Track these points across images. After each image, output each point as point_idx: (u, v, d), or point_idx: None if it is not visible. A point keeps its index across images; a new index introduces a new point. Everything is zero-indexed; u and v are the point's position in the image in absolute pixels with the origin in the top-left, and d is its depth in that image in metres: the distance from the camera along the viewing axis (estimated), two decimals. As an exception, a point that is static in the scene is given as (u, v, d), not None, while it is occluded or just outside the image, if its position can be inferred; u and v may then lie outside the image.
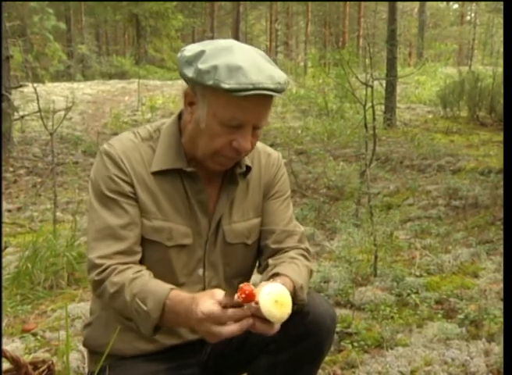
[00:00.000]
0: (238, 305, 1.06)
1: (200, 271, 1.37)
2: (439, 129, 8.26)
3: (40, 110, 4.23)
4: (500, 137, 6.74)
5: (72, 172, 6.41)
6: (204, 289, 1.37)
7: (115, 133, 9.83)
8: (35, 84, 4.89)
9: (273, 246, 1.41)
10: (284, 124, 8.65)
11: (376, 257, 2.97)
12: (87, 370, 2.03)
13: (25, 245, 3.13)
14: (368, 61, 3.96)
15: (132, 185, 1.27)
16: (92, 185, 1.30)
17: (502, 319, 2.26)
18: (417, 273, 2.95)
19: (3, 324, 2.47)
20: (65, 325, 1.60)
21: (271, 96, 1.19)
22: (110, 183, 1.26)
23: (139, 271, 1.24)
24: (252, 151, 1.32)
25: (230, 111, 1.18)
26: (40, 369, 1.25)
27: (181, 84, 16.13)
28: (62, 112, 4.74)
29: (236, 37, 23.82)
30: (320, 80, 11.00)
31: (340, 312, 2.48)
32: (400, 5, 10.65)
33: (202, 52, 1.18)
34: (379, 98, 7.71)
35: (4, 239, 3.54)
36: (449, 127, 8.14)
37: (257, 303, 1.08)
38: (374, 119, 3.76)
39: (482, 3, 27.89)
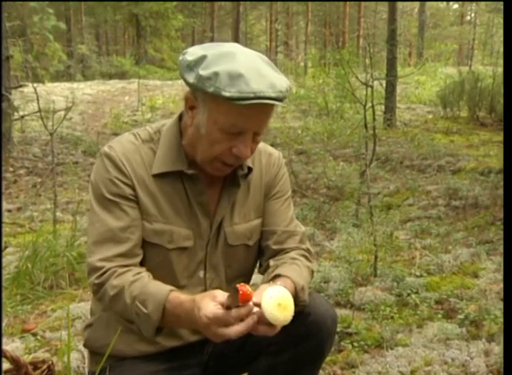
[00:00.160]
0: (239, 305, 1.06)
1: (201, 273, 1.36)
2: (439, 129, 8.26)
3: (40, 110, 4.22)
4: (500, 137, 6.74)
5: (72, 172, 6.40)
6: (205, 291, 1.36)
7: (115, 133, 9.84)
8: (35, 84, 4.89)
9: (274, 247, 1.41)
10: (284, 124, 8.65)
11: (376, 257, 2.97)
12: (87, 370, 2.04)
13: (25, 245, 3.13)
14: (368, 61, 3.96)
15: (133, 187, 1.27)
16: (92, 188, 1.29)
17: (502, 319, 2.26)
18: (417, 273, 2.95)
19: (3, 324, 2.47)
20: (67, 325, 1.60)
21: (272, 104, 1.17)
22: (111, 186, 1.26)
23: (138, 273, 1.23)
24: None
25: (231, 118, 1.17)
26: (40, 369, 1.25)
27: (181, 84, 16.18)
28: (62, 112, 4.74)
29: (236, 37, 23.85)
30: (320, 80, 10.99)
31: (340, 312, 2.48)
32: (400, 5, 10.65)
33: (204, 57, 1.16)
34: (379, 98, 7.72)
35: (4, 239, 3.54)
36: (449, 127, 8.14)
37: (257, 305, 1.08)
38: (374, 119, 3.76)
39: (482, 3, 27.89)
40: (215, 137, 1.20)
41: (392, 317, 2.44)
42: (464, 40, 29.35)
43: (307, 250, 1.45)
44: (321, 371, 2.00)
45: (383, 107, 8.70)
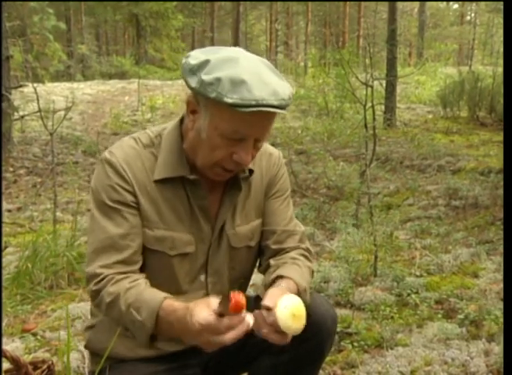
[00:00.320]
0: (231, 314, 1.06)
1: (202, 277, 1.36)
2: (439, 129, 8.26)
3: (40, 110, 4.22)
4: (500, 137, 6.74)
5: (72, 172, 6.41)
6: (207, 295, 1.36)
7: (115, 133, 9.85)
8: (35, 84, 4.89)
9: (274, 247, 1.41)
10: (284, 124, 8.64)
11: (376, 257, 2.97)
12: (87, 371, 2.04)
13: (25, 245, 3.13)
14: (368, 61, 3.96)
15: (134, 194, 1.25)
16: (93, 194, 1.28)
17: (502, 319, 2.26)
18: (417, 273, 2.95)
19: (3, 324, 2.47)
20: (67, 325, 1.60)
21: (274, 112, 1.16)
22: (111, 193, 1.24)
23: (135, 280, 1.23)
24: None
25: (232, 125, 1.16)
26: (40, 369, 1.25)
27: (181, 84, 16.18)
28: (62, 112, 4.74)
29: (236, 37, 23.85)
30: (320, 80, 11.00)
31: (340, 312, 2.48)
32: (400, 5, 10.65)
33: (207, 62, 1.15)
34: (379, 98, 7.72)
35: (4, 239, 3.54)
36: (449, 127, 8.14)
37: (269, 309, 1.11)
38: (374, 119, 3.76)
39: (482, 3, 27.90)
40: (216, 142, 1.19)
41: (392, 317, 2.44)
42: (464, 40, 29.36)
43: (307, 249, 1.45)
44: (321, 371, 2.00)
45: (383, 107, 8.70)
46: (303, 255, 1.42)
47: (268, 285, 1.29)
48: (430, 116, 9.85)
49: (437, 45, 18.34)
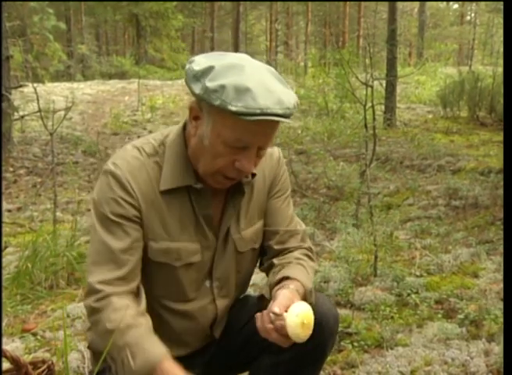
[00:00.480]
0: None
1: (207, 283, 1.36)
2: (439, 129, 8.26)
3: (40, 110, 4.23)
4: (500, 137, 6.74)
5: (72, 172, 6.41)
6: (213, 301, 1.37)
7: (115, 134, 9.85)
8: (35, 84, 4.89)
9: (276, 247, 1.41)
10: (284, 124, 8.63)
11: (376, 257, 2.96)
12: (87, 371, 2.04)
13: (25, 245, 3.13)
14: (368, 61, 3.96)
15: (138, 208, 1.23)
16: (95, 206, 1.24)
17: (502, 319, 2.26)
18: (417, 273, 2.95)
19: (3, 324, 2.47)
20: (63, 325, 1.60)
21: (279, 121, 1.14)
22: (115, 207, 1.21)
23: (138, 314, 1.19)
24: None
25: (235, 133, 1.14)
26: (40, 369, 1.25)
27: (181, 84, 16.17)
28: (62, 112, 4.74)
29: (236, 37, 23.85)
30: (320, 80, 11.00)
31: (340, 312, 2.47)
32: (400, 5, 10.65)
33: (211, 68, 1.12)
34: (379, 98, 7.72)
35: (4, 239, 3.54)
36: (449, 127, 8.14)
37: (278, 315, 1.13)
38: (374, 119, 3.76)
39: (482, 3, 27.89)
40: (218, 150, 1.17)
41: (392, 317, 2.44)
42: (464, 40, 29.36)
43: (310, 249, 1.45)
44: (321, 371, 2.00)
45: (383, 107, 8.70)
46: (306, 255, 1.42)
47: (274, 285, 1.30)
48: (430, 116, 9.85)
49: (437, 45, 18.35)
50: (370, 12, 26.46)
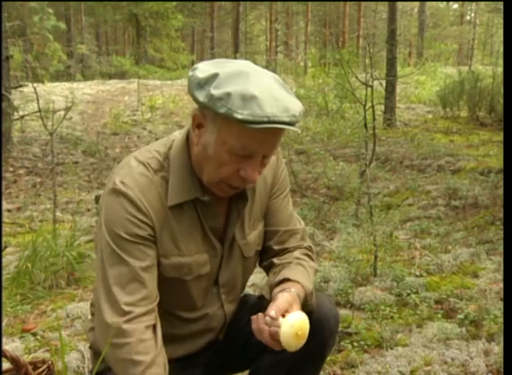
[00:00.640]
0: None
1: (214, 289, 1.36)
2: (438, 129, 8.26)
3: (40, 110, 4.23)
4: (500, 137, 6.74)
5: (72, 172, 6.41)
6: (222, 306, 1.38)
7: (115, 133, 9.85)
8: (35, 84, 4.89)
9: (276, 247, 1.41)
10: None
11: (376, 257, 2.97)
12: (87, 371, 2.04)
13: (25, 245, 3.13)
14: (367, 61, 3.96)
15: (152, 227, 1.21)
16: (107, 227, 1.20)
17: (502, 319, 2.26)
18: (417, 273, 2.95)
19: (3, 324, 2.47)
20: (58, 327, 1.60)
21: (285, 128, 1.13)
22: (130, 227, 1.18)
23: (157, 355, 1.18)
24: None
25: (241, 141, 1.12)
26: (40, 369, 1.24)
27: (181, 84, 16.14)
28: (62, 112, 4.75)
29: (236, 37, 23.86)
30: (320, 80, 10.99)
31: (340, 312, 2.47)
32: (399, 5, 10.65)
33: (215, 75, 1.11)
34: (379, 98, 7.72)
35: (4, 239, 3.54)
36: (449, 127, 8.14)
37: (274, 319, 1.13)
38: (374, 119, 3.76)
39: (482, 3, 27.91)
40: (223, 158, 1.15)
41: (391, 317, 2.45)
42: (463, 40, 29.37)
43: (309, 248, 1.45)
44: (321, 371, 2.00)
45: (383, 107, 8.70)
46: (306, 255, 1.42)
47: (274, 286, 1.30)
48: (430, 116, 9.86)
49: (437, 45, 18.34)
50: (370, 12, 26.48)
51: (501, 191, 4.23)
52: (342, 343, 2.24)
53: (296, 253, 1.40)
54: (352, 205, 4.47)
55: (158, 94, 13.91)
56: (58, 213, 4.15)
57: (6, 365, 1.25)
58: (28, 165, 6.99)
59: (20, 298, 2.78)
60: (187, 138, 1.26)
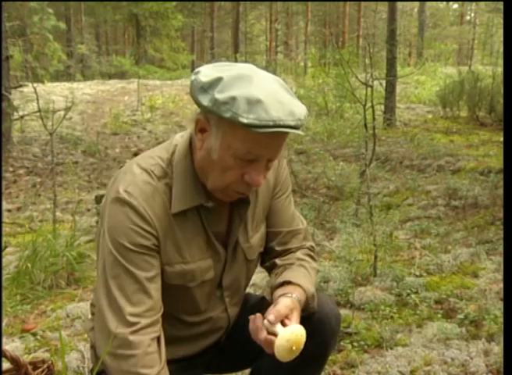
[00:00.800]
0: None
1: (218, 293, 1.35)
2: (438, 129, 8.27)
3: (39, 110, 4.23)
4: (500, 137, 6.74)
5: (72, 172, 6.41)
6: (226, 309, 1.38)
7: (115, 133, 9.85)
8: (35, 84, 4.89)
9: (279, 248, 1.40)
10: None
11: (376, 257, 2.97)
12: (87, 371, 2.04)
13: (25, 245, 3.13)
14: (367, 61, 3.96)
15: (156, 236, 1.20)
16: (110, 236, 1.18)
17: (502, 319, 2.26)
18: (417, 273, 2.95)
19: (3, 324, 2.47)
20: (58, 327, 1.60)
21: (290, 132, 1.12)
22: (134, 237, 1.17)
23: (161, 369, 1.18)
24: None
25: (246, 145, 1.11)
26: (40, 369, 1.25)
27: (181, 84, 16.13)
28: (62, 112, 4.75)
29: (236, 37, 23.85)
30: (320, 79, 10.99)
31: (340, 312, 2.47)
32: (399, 5, 10.65)
33: (219, 79, 1.09)
34: (379, 98, 7.72)
35: (4, 239, 3.54)
36: (449, 127, 8.14)
37: (272, 323, 1.13)
38: (374, 119, 3.76)
39: (482, 3, 27.91)
40: (228, 163, 1.14)
41: (391, 317, 2.45)
42: (463, 40, 29.37)
43: (311, 248, 1.45)
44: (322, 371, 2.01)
45: (383, 107, 8.70)
46: (308, 255, 1.42)
47: (275, 288, 1.29)
48: (430, 116, 9.86)
49: (437, 45, 18.35)
50: (370, 12, 26.47)
51: (501, 191, 4.23)
52: (342, 343, 2.24)
53: (299, 254, 1.40)
54: (352, 205, 4.47)
55: (158, 94, 13.90)
56: (58, 213, 4.15)
57: (6, 365, 1.25)
58: (28, 165, 6.99)
59: (20, 298, 2.78)
60: (190, 143, 1.25)
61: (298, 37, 39.27)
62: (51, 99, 8.63)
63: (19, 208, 4.91)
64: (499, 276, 2.86)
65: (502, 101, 7.78)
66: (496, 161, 5.36)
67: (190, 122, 1.21)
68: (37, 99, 4.30)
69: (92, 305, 1.39)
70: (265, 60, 24.61)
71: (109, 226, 1.19)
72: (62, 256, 3.03)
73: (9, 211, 4.81)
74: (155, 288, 1.19)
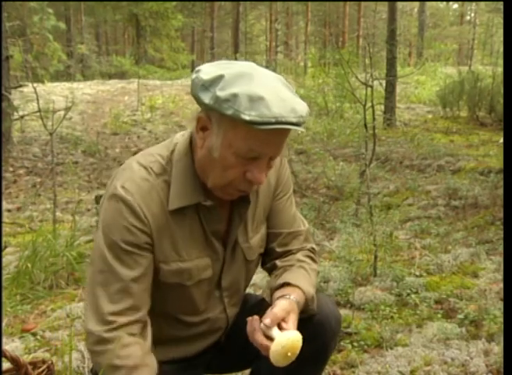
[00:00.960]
0: None
1: (217, 293, 1.35)
2: (438, 129, 8.27)
3: (39, 110, 4.23)
4: (500, 137, 6.74)
5: (72, 172, 6.41)
6: (224, 310, 1.37)
7: (115, 133, 9.85)
8: (35, 84, 4.89)
9: (279, 249, 1.40)
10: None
11: (376, 257, 2.97)
12: (87, 371, 2.04)
13: (25, 245, 3.13)
14: (367, 61, 3.96)
15: (150, 235, 1.19)
16: (104, 232, 1.18)
17: (502, 319, 2.26)
18: (417, 273, 2.95)
19: (3, 324, 2.47)
20: (69, 325, 1.60)
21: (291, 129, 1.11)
22: (126, 235, 1.16)
23: (145, 353, 1.17)
24: None
25: (248, 143, 1.10)
26: (40, 369, 1.25)
27: (181, 84, 16.12)
28: (62, 112, 4.75)
29: (236, 37, 23.86)
30: (320, 79, 10.99)
31: (340, 312, 2.47)
32: (399, 5, 10.65)
33: (220, 77, 1.09)
34: (379, 98, 7.72)
35: (4, 239, 3.54)
36: (449, 127, 8.15)
37: (268, 328, 1.13)
38: (374, 119, 3.76)
39: (482, 3, 27.92)
40: (230, 161, 1.13)
41: (391, 317, 2.44)
42: (463, 40, 29.39)
43: (312, 249, 1.44)
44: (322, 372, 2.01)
45: (383, 107, 8.70)
46: (308, 257, 1.41)
47: (275, 290, 1.29)
48: (430, 116, 9.86)
49: (437, 45, 18.34)
50: (370, 12, 26.48)
51: (501, 191, 4.23)
52: (342, 343, 2.24)
53: (299, 255, 1.39)
54: (352, 205, 4.47)
55: (158, 94, 13.91)
56: (58, 213, 4.15)
57: (6, 365, 1.25)
58: (28, 165, 6.99)
59: (20, 298, 2.78)
60: (191, 141, 1.24)
61: (298, 37, 39.28)
62: (51, 99, 8.63)
63: (19, 208, 4.91)
64: (499, 276, 2.86)
65: (502, 101, 7.78)
66: (496, 161, 5.37)
67: (191, 120, 1.20)
68: (37, 99, 4.30)
69: None
70: (265, 60, 24.60)
71: (103, 223, 1.19)
72: (62, 256, 3.03)
73: (9, 211, 4.81)
74: (141, 288, 1.18)
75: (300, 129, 1.10)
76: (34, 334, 2.41)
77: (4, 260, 3.23)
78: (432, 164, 5.80)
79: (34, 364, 1.25)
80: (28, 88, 8.69)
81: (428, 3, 24.23)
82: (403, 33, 24.10)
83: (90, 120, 11.18)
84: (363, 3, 26.50)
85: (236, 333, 1.42)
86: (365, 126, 3.84)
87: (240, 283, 1.38)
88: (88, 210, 4.79)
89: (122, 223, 1.16)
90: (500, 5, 14.75)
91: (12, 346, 2.25)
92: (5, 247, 3.46)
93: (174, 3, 24.98)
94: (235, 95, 1.05)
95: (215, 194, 1.22)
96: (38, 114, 4.36)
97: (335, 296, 2.69)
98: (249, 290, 1.71)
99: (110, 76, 20.89)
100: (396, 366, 2.03)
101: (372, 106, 3.70)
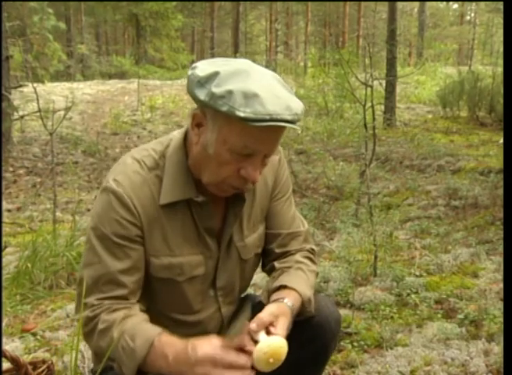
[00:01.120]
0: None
1: (211, 292, 1.34)
2: (438, 129, 8.27)
3: (40, 110, 4.23)
4: (500, 137, 6.74)
5: (72, 172, 6.41)
6: (219, 309, 1.36)
7: (115, 133, 9.86)
8: (35, 84, 4.89)
9: (278, 250, 1.39)
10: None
11: (376, 257, 2.97)
12: (87, 371, 2.04)
13: (25, 245, 3.13)
14: (367, 61, 3.96)
15: (140, 228, 1.20)
16: (95, 225, 1.20)
17: (502, 319, 2.26)
18: (417, 273, 2.95)
19: (3, 324, 2.47)
20: (77, 326, 1.59)
21: (286, 126, 1.12)
22: (117, 228, 1.18)
23: (134, 312, 1.19)
24: None
25: (242, 139, 1.11)
26: (40, 369, 1.24)
27: (181, 84, 16.13)
28: (62, 112, 4.74)
29: (236, 37, 23.85)
30: (320, 79, 10.99)
31: (340, 312, 2.47)
32: (399, 5, 10.65)
33: (216, 74, 1.10)
34: (379, 98, 7.72)
35: (4, 239, 3.54)
36: (449, 127, 8.15)
37: (254, 333, 1.10)
38: (374, 119, 3.76)
39: (482, 3, 27.92)
40: (224, 157, 1.14)
41: (391, 317, 2.45)
42: (463, 40, 29.36)
43: (311, 250, 1.44)
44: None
45: (383, 107, 8.70)
46: (307, 258, 1.40)
47: (271, 292, 1.29)
48: (430, 116, 9.86)
49: (437, 45, 18.34)
50: (370, 12, 26.45)
51: (501, 191, 4.23)
52: (342, 343, 2.24)
53: (298, 256, 1.38)
54: (352, 205, 4.47)
55: (158, 94, 13.91)
56: (58, 213, 4.15)
57: (6, 365, 1.25)
58: (28, 165, 6.99)
59: (20, 298, 2.78)
60: (185, 138, 1.25)
61: (298, 37, 39.27)
62: (51, 99, 8.64)
63: (19, 208, 4.91)
64: (499, 276, 2.86)
65: (502, 101, 7.78)
66: (496, 161, 5.37)
67: (187, 117, 1.21)
68: (37, 99, 4.30)
69: None
70: (265, 60, 24.60)
71: (95, 215, 1.21)
72: (62, 256, 3.03)
73: (9, 211, 4.81)
74: (130, 280, 1.20)
75: (294, 127, 1.11)
76: (34, 334, 2.41)
77: (4, 260, 3.23)
78: (432, 164, 5.80)
79: (34, 364, 1.25)
80: (28, 88, 8.69)
81: (428, 3, 24.22)
82: (403, 33, 24.09)
83: (90, 120, 11.18)
84: (363, 3, 26.49)
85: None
86: (365, 126, 3.83)
87: (235, 282, 1.37)
88: (88, 210, 4.79)
89: (113, 216, 1.18)
90: (500, 5, 14.76)
91: (12, 346, 2.25)
92: (5, 247, 3.46)
93: (174, 3, 24.98)
94: (230, 92, 1.06)
95: (210, 190, 1.22)
96: (38, 114, 4.36)
97: (335, 296, 2.69)
98: (249, 290, 1.71)
99: (110, 76, 20.90)
100: (396, 366, 2.03)
101: (372, 106, 3.69)
